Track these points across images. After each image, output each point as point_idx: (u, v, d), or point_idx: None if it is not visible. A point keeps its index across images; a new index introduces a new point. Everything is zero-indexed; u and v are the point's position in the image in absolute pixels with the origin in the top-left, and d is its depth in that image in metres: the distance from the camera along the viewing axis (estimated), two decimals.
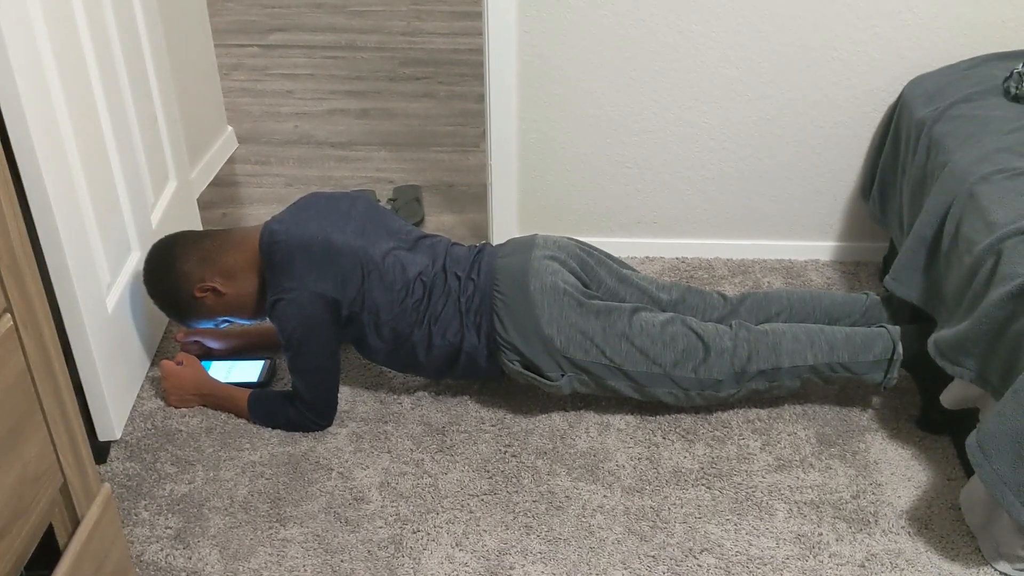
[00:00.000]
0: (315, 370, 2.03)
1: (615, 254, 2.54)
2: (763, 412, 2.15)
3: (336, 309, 2.00)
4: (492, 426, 2.12)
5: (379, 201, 3.06)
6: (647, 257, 2.73)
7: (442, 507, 1.92)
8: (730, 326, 2.07)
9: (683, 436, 2.09)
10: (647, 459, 2.03)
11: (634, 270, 2.23)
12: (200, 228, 2.81)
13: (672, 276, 2.65)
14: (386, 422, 2.14)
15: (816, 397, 2.18)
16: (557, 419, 2.14)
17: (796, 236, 2.71)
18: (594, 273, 2.13)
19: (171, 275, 2.06)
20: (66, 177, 1.87)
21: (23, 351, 1.26)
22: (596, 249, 2.20)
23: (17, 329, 1.24)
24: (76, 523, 1.38)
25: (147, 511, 1.92)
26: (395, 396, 2.21)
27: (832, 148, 2.57)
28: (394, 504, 1.93)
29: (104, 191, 2.07)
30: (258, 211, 3.04)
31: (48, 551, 1.34)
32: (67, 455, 1.35)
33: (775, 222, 2.69)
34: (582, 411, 2.16)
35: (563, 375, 2.03)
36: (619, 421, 2.13)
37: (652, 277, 2.22)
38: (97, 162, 2.03)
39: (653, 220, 2.70)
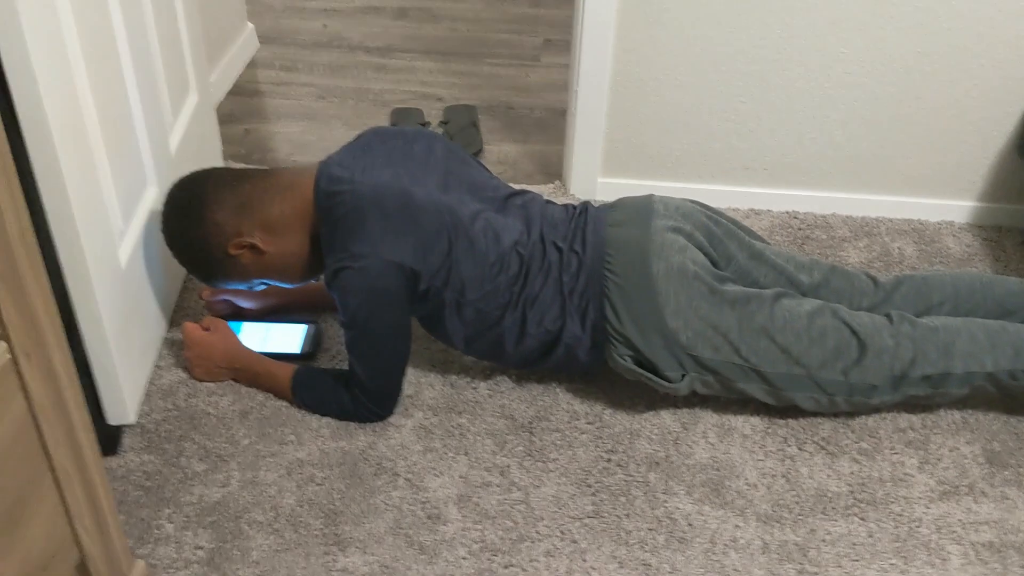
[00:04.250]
0: (382, 354, 1.63)
1: (714, 204, 2.14)
2: (916, 419, 1.78)
3: (413, 282, 1.59)
4: (589, 424, 1.75)
5: (443, 131, 2.61)
6: (752, 210, 2.32)
7: (538, 533, 1.56)
8: (889, 319, 1.68)
9: (822, 447, 1.72)
10: (783, 477, 1.66)
11: (766, 242, 1.83)
12: (219, 147, 2.38)
13: (783, 235, 2.24)
14: (459, 413, 1.76)
15: (977, 401, 1.81)
16: (667, 418, 1.76)
17: (928, 193, 2.29)
18: (723, 248, 1.73)
19: (200, 226, 1.63)
20: (71, 97, 1.43)
21: (25, 392, 0.85)
22: (722, 215, 1.79)
23: (16, 361, 0.83)
24: None
25: (171, 523, 1.55)
26: (468, 379, 1.82)
27: (990, 93, 2.13)
28: (478, 526, 1.56)
29: (117, 111, 1.63)
30: (287, 128, 2.59)
31: None
32: (86, 525, 0.96)
33: (908, 175, 2.27)
34: (697, 409, 1.78)
35: (684, 375, 1.65)
36: (743, 424, 1.75)
37: (788, 252, 1.81)
38: (109, 75, 1.59)
39: (763, 167, 2.28)
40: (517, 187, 1.80)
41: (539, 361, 1.73)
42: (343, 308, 1.59)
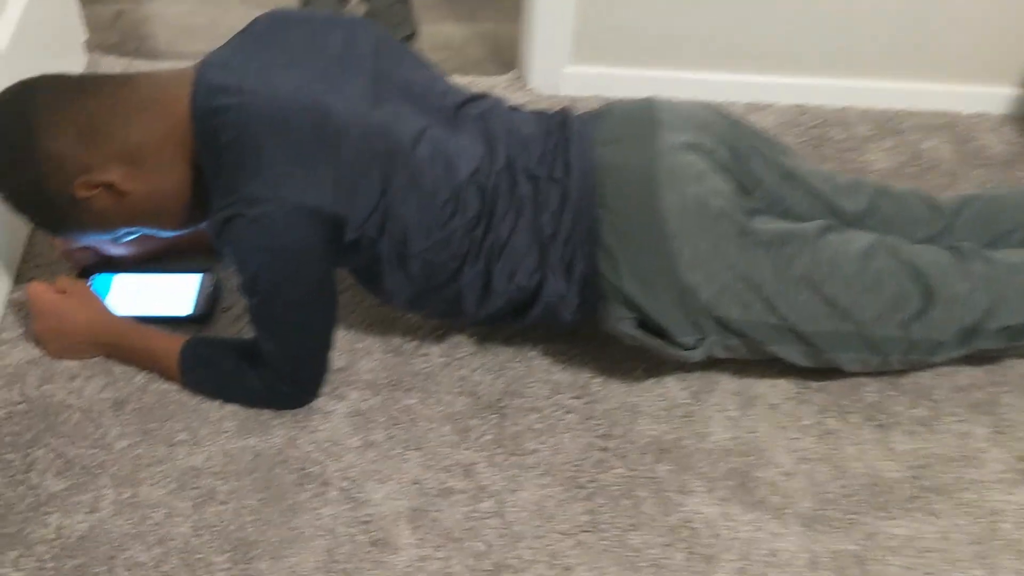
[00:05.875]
0: (297, 327, 1.20)
1: (703, 96, 1.76)
2: (979, 373, 1.42)
3: (336, 232, 1.15)
4: (574, 399, 1.36)
5: (366, 9, 2.11)
6: (752, 103, 1.90)
7: (519, 557, 1.18)
8: (958, 254, 1.31)
9: (869, 417, 1.36)
10: (825, 461, 1.30)
11: (794, 155, 1.42)
12: (81, 36, 1.86)
13: (792, 135, 1.84)
14: (407, 390, 1.35)
15: None
16: (674, 387, 1.38)
17: (961, 79, 1.90)
18: (747, 168, 1.31)
19: (31, 162, 1.15)
20: None
21: None
22: (741, 123, 1.36)
23: None
24: None
25: (20, 570, 1.13)
26: (416, 343, 1.41)
27: None
28: (440, 552, 1.18)
29: None
30: (170, 8, 2.07)
31: None
32: None
33: (937, 58, 1.86)
34: (711, 372, 1.40)
35: (702, 339, 1.26)
36: (769, 390, 1.38)
37: (825, 170, 1.40)
38: None
39: (764, 51, 1.85)
40: (470, 87, 1.34)
41: (513, 320, 1.32)
42: (240, 269, 1.15)
